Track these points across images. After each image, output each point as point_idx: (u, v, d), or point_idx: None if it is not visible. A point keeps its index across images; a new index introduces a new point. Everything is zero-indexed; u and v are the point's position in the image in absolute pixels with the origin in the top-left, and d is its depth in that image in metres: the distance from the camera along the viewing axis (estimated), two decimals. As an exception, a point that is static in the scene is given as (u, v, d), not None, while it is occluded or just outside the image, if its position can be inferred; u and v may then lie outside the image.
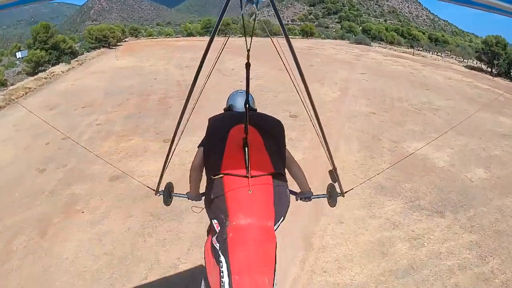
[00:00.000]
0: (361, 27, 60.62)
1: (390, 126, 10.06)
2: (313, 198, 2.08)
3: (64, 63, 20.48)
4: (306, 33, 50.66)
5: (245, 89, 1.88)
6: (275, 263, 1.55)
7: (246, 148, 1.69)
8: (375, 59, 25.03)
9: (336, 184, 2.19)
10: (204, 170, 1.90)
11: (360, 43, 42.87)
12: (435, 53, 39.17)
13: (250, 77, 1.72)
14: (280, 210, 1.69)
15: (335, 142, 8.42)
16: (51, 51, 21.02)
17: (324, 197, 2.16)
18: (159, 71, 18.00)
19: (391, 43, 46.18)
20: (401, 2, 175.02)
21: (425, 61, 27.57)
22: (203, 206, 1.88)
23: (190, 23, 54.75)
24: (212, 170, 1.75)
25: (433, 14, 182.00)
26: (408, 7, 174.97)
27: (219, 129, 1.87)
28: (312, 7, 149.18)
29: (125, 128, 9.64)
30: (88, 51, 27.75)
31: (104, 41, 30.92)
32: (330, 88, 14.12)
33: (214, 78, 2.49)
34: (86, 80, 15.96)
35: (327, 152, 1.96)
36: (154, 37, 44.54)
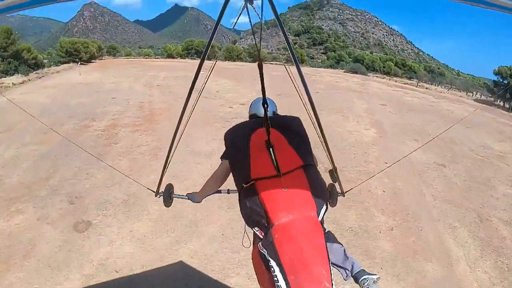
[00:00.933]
0: (352, 57, 60.31)
1: (478, 188, 7.01)
2: None
3: (20, 74, 18.82)
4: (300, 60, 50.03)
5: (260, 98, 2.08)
6: (327, 252, 1.51)
7: (271, 149, 1.67)
8: (382, 89, 23.66)
9: (336, 184, 2.25)
10: (235, 183, 1.85)
11: (355, 72, 42.12)
12: (437, 85, 38.43)
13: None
14: (320, 199, 1.67)
15: (425, 235, 5.10)
16: (10, 59, 18.92)
17: None
18: (122, 89, 15.66)
19: (387, 73, 45.38)
20: (386, 35, 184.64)
21: (433, 94, 25.95)
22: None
23: (171, 45, 55.01)
24: (241, 180, 1.73)
25: (418, 48, 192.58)
26: (393, 40, 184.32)
27: (239, 140, 1.85)
28: (297, 37, 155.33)
29: (25, 180, 6.01)
30: (56, 65, 25.55)
31: (75, 55, 28.49)
32: (358, 123, 11.20)
33: (199, 102, 2.16)
34: (33, 95, 13.75)
35: (326, 151, 2.07)
36: (132, 57, 43.20)
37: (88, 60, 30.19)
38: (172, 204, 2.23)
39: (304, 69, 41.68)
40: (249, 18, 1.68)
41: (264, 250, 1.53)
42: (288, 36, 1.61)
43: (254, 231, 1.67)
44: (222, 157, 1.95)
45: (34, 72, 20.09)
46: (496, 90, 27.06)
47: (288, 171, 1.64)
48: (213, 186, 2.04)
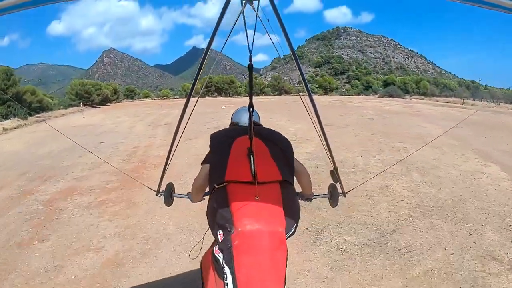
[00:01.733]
0: (381, 81, 57.60)
1: None
2: (314, 198, 2.08)
3: (17, 118, 16.90)
4: (325, 89, 48.12)
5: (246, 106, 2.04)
6: (285, 274, 1.42)
7: (252, 156, 1.55)
8: (435, 109, 20.68)
9: (337, 184, 2.19)
10: (208, 185, 1.75)
11: (391, 96, 39.16)
12: (481, 99, 35.01)
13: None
14: (291, 218, 1.57)
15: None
16: (10, 102, 17.41)
17: (325, 197, 2.18)
18: (119, 130, 13.01)
19: (424, 94, 42.34)
20: (407, 58, 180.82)
21: (495, 110, 22.05)
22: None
23: (190, 84, 53.41)
24: (215, 180, 1.62)
25: (439, 67, 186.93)
26: (414, 62, 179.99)
27: (222, 142, 1.79)
28: (318, 68, 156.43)
29: None
30: (66, 108, 24.10)
31: (86, 98, 27.25)
32: (463, 156, 7.87)
33: (181, 143, 2.18)
34: (11, 142, 11.58)
35: (328, 152, 2.02)
36: (150, 98, 42.56)
37: (102, 103, 28.98)
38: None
39: (336, 97, 39.60)
40: (244, 18, 1.64)
41: (220, 254, 1.42)
42: (296, 54, 1.58)
43: (217, 234, 1.51)
44: (203, 162, 1.83)
45: (36, 115, 18.53)
46: None
47: (264, 181, 1.53)
48: (198, 193, 1.88)
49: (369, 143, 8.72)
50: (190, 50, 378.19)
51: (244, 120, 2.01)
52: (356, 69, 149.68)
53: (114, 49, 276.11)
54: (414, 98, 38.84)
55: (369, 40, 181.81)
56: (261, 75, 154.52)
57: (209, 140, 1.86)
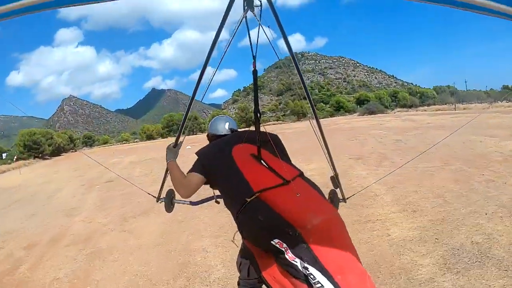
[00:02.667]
0: (356, 98, 57.67)
1: None
2: None
3: None
4: (298, 114, 47.55)
5: (222, 115, 2.34)
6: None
7: (262, 161, 1.68)
8: (444, 118, 20.32)
9: (338, 190, 2.28)
10: (227, 204, 1.76)
11: (372, 113, 39.38)
12: (471, 103, 35.42)
13: None
14: (327, 197, 1.77)
15: None
16: None
17: None
18: (35, 198, 9.53)
19: (404, 106, 42.20)
20: (368, 74, 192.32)
21: (502, 110, 21.52)
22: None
23: (150, 125, 52.00)
24: (241, 196, 1.56)
25: (401, 79, 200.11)
26: (376, 78, 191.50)
27: (219, 157, 1.79)
28: (280, 96, 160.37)
29: None
30: (13, 161, 21.93)
31: (35, 150, 24.69)
32: None
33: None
34: None
35: (328, 158, 2.13)
36: (110, 144, 42.63)
37: (56, 153, 26.53)
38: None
39: (314, 122, 38.18)
40: (246, 22, 1.64)
41: (297, 260, 1.37)
42: (291, 49, 1.69)
43: (272, 245, 1.43)
44: (195, 171, 1.84)
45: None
46: None
47: (293, 178, 1.59)
48: (185, 195, 1.91)
49: (478, 186, 5.21)
50: (150, 92, 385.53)
51: (222, 128, 2.13)
52: (319, 92, 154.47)
53: (74, 96, 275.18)
54: (398, 111, 38.48)
55: (328, 62, 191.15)
56: (222, 110, 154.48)
57: (197, 158, 1.89)
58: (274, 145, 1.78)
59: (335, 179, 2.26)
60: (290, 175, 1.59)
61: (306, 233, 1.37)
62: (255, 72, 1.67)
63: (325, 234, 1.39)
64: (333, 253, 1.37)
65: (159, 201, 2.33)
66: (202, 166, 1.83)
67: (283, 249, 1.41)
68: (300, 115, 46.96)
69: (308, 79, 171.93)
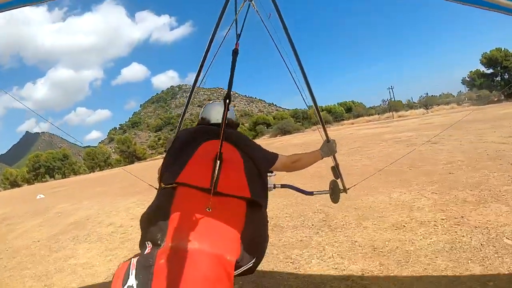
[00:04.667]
0: (253, 121, 64.38)
1: None
2: (315, 194, 2.28)
3: None
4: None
5: (218, 101, 2.03)
6: None
7: (219, 161, 1.45)
8: (415, 122, 22.60)
9: (338, 181, 2.39)
10: (158, 181, 1.71)
11: (287, 132, 41.40)
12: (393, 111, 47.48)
13: None
14: (251, 249, 1.37)
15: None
16: None
17: (326, 193, 2.35)
18: None
19: (315, 123, 49.33)
20: (247, 104, 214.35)
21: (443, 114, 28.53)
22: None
23: (13, 169, 48.23)
24: (166, 179, 1.53)
25: (281, 107, 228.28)
26: (256, 106, 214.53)
27: (189, 140, 1.73)
28: (159, 132, 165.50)
29: None
30: None
31: None
32: None
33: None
34: None
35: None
36: None
37: None
38: None
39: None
40: (235, 3, 1.82)
41: (133, 271, 1.16)
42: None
43: (141, 246, 1.33)
44: (166, 152, 1.83)
45: None
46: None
47: (226, 193, 1.42)
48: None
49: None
50: (24, 136, 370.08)
51: (216, 116, 1.93)
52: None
53: None
54: (319, 129, 46.43)
55: (206, 94, 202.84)
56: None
57: (178, 134, 1.87)
58: (255, 159, 1.69)
59: (335, 169, 2.35)
60: (231, 190, 1.44)
61: (163, 251, 1.20)
62: (235, 51, 1.38)
63: (184, 266, 1.15)
64: None
65: None
66: (172, 143, 1.79)
67: (145, 253, 1.24)
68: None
69: (188, 111, 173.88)
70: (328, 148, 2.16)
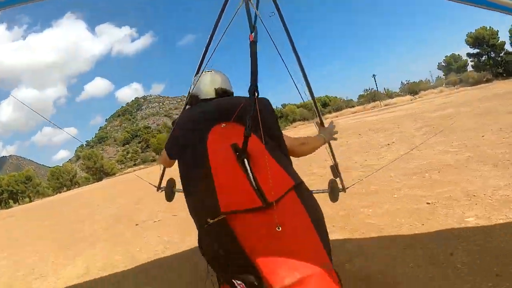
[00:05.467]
0: None
1: None
2: (314, 193, 1.80)
3: None
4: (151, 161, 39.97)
5: (212, 70, 1.80)
6: None
7: (246, 161, 1.23)
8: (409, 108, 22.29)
9: (337, 180, 2.39)
10: (189, 207, 1.46)
11: None
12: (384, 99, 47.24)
13: None
14: (326, 240, 1.28)
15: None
16: None
17: (325, 192, 2.31)
18: None
19: (293, 120, 53.91)
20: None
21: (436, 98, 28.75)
22: None
23: None
24: (203, 210, 1.31)
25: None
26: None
27: (190, 139, 1.49)
28: (127, 145, 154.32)
29: None
30: None
31: None
32: None
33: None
34: None
35: (328, 148, 2.24)
36: None
37: None
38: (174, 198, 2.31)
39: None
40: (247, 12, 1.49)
41: None
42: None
43: (229, 281, 1.23)
44: (167, 149, 1.69)
45: None
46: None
47: (278, 198, 1.22)
48: (167, 166, 2.06)
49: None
50: None
51: (207, 89, 1.68)
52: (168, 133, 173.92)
53: None
54: (300, 124, 45.84)
55: (172, 103, 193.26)
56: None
57: (173, 124, 1.67)
58: (267, 125, 1.43)
59: (334, 169, 2.36)
60: (277, 189, 1.23)
61: None
62: (253, 42, 1.23)
63: None
64: None
65: (160, 190, 2.47)
66: (170, 141, 1.67)
67: None
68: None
69: (154, 122, 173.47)
70: (328, 131, 2.03)
